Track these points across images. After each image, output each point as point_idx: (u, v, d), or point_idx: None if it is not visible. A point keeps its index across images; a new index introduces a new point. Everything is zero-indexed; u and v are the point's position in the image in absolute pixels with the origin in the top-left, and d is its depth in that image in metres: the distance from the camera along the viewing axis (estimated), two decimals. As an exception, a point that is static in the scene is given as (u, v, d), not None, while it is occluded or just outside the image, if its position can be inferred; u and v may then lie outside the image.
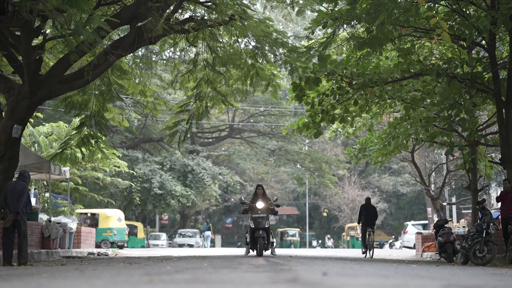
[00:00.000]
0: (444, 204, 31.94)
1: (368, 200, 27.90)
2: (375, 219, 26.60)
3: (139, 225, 52.90)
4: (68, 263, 15.25)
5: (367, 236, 26.07)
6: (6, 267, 13.61)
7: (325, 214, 75.97)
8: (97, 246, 33.84)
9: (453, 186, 49.95)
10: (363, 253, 25.99)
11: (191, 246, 56.55)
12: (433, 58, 24.14)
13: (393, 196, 79.36)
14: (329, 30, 21.51)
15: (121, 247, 37.90)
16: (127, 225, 43.71)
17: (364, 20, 19.33)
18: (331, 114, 24.04)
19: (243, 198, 21.95)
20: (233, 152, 66.13)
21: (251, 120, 64.10)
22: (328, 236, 71.30)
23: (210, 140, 67.42)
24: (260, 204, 20.91)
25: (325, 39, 21.67)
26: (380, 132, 28.23)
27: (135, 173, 48.35)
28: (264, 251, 20.74)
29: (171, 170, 55.63)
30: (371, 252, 25.64)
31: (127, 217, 55.73)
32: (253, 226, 20.55)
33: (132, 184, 47.48)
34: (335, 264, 13.33)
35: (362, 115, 26.53)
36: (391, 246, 62.03)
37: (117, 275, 7.51)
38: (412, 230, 48.53)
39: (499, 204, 19.78)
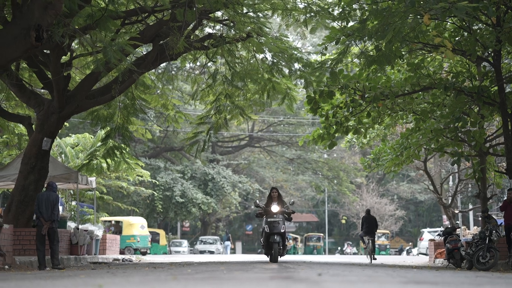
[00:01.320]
0: (456, 211, 32.81)
1: (368, 211, 29.88)
2: (375, 229, 28.89)
3: (161, 232, 54.16)
4: (96, 268, 16.44)
5: (368, 244, 28.57)
6: (41, 271, 14.81)
7: (343, 221, 76.97)
8: (121, 252, 35.08)
9: (469, 194, 50.79)
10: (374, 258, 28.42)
11: (211, 252, 57.86)
12: (443, 72, 25.14)
13: (412, 203, 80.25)
14: (341, 45, 22.63)
15: (144, 253, 39.11)
16: (150, 232, 44.90)
17: (373, 38, 20.40)
18: (345, 126, 25.10)
19: (257, 202, 20.62)
20: (253, 161, 67.36)
21: (270, 129, 65.29)
22: (349, 242, 72.24)
23: (230, 149, 68.66)
24: (275, 208, 19.95)
25: (336, 55, 22.77)
26: (393, 143, 29.24)
27: (157, 182, 49.70)
28: (279, 256, 20.05)
29: (192, 179, 56.98)
30: (372, 257, 28.26)
31: (150, 224, 57.01)
32: (268, 231, 19.53)
33: (154, 192, 48.77)
34: (339, 267, 14.64)
35: (375, 126, 27.57)
36: (408, 252, 62.92)
37: (146, 275, 8.69)
38: (428, 237, 49.42)
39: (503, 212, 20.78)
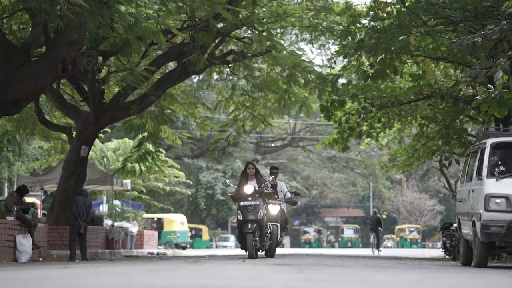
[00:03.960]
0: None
1: (374, 211, 35.93)
2: (379, 226, 33.64)
3: (204, 228, 57.23)
4: (121, 260, 19.30)
5: (372, 239, 33.60)
6: (72, 262, 17.67)
7: (384, 216, 78.94)
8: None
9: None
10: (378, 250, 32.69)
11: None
12: (446, 80, 27.37)
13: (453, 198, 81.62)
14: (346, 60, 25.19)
15: (184, 248, 42.08)
16: (193, 228, 47.87)
17: (369, 55, 22.88)
18: (358, 131, 27.59)
19: (227, 181, 17.76)
20: (293, 160, 70.03)
21: (306, 129, 67.82)
22: (389, 237, 74.16)
23: (272, 148, 71.47)
24: (249, 188, 16.19)
25: (340, 69, 25.31)
26: (407, 145, 31.61)
27: (191, 182, 52.78)
28: (261, 251, 16.96)
29: (232, 177, 59.88)
30: (376, 250, 32.78)
31: (195, 221, 60.15)
32: (240, 218, 15.98)
33: (189, 192, 51.64)
34: (337, 258, 17.51)
35: (386, 130, 29.94)
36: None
37: (134, 265, 11.47)
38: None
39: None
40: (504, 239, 11.35)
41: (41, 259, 17.18)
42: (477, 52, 11.72)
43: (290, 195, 18.73)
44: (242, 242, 16.18)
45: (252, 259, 15.36)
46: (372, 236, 34.05)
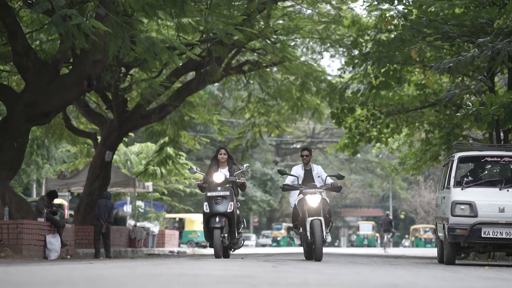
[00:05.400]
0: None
1: (387, 214, 39.62)
2: (390, 227, 37.21)
3: (224, 227, 59.03)
4: (146, 258, 20.99)
5: (385, 239, 36.45)
6: (96, 259, 19.37)
7: (402, 216, 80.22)
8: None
9: None
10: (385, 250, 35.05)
11: (273, 246, 62.45)
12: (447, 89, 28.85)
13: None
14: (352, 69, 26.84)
15: (204, 246, 43.77)
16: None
17: (373, 67, 24.47)
18: (367, 136, 29.12)
19: (194, 168, 14.83)
20: (312, 161, 71.23)
21: (325, 131, 69.39)
22: (406, 236, 75.38)
23: (292, 149, 73.16)
24: (219, 177, 14.13)
25: (350, 78, 26.92)
26: (416, 149, 33.08)
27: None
28: (231, 249, 14.97)
29: (252, 179, 61.76)
30: (388, 249, 35.54)
31: (215, 220, 62.02)
32: (207, 210, 13.97)
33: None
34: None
35: (395, 136, 31.43)
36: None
37: (144, 262, 13.12)
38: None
39: None
40: (468, 240, 13.15)
41: (68, 256, 18.88)
42: (452, 75, 13.24)
43: (332, 181, 14.73)
44: (209, 239, 14.25)
45: (219, 258, 13.72)
46: (385, 237, 37.70)
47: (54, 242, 18.07)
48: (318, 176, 14.74)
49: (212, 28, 18.87)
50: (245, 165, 14.68)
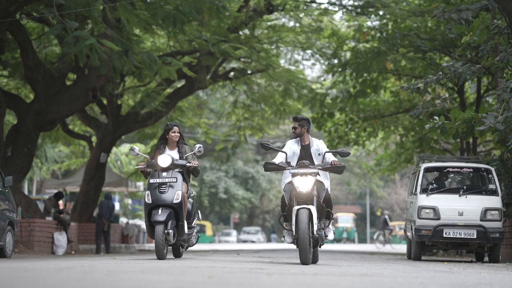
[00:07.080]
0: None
1: (383, 213, 43.00)
2: (385, 225, 40.85)
3: (208, 224, 61.04)
4: (138, 253, 22.82)
5: (382, 236, 40.27)
6: (97, 254, 21.18)
7: (379, 213, 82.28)
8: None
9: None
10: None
11: (253, 242, 64.32)
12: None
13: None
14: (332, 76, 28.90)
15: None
16: (198, 224, 51.23)
17: (351, 78, 26.46)
18: (346, 139, 31.06)
19: (136, 149, 12.20)
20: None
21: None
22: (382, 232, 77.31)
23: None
24: (164, 159, 11.61)
25: (331, 84, 28.95)
26: (391, 151, 35.06)
27: (204, 180, 56.61)
28: (182, 248, 12.54)
29: (234, 177, 63.85)
30: (388, 245, 39.05)
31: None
32: (149, 201, 11.47)
33: (193, 191, 55.35)
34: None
35: (372, 139, 33.38)
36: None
37: (124, 258, 15.00)
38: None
39: None
40: (431, 240, 15.24)
41: (73, 252, 20.72)
42: (421, 95, 15.19)
43: (333, 158, 11.14)
44: (152, 235, 11.50)
45: (162, 259, 11.05)
46: (382, 234, 41.47)
47: (61, 239, 19.86)
48: (319, 154, 11.19)
49: (206, 45, 20.72)
50: (197, 146, 11.88)
